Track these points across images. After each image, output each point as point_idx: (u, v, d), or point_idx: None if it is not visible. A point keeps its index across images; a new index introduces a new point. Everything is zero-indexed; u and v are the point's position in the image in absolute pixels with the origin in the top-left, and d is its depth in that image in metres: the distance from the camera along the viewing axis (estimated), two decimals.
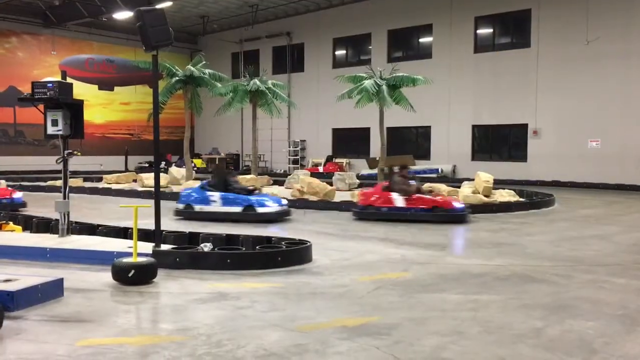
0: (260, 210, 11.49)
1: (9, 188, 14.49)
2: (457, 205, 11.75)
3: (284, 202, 12.20)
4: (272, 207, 11.60)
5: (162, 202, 13.54)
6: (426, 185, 13.49)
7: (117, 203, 13.62)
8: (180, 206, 11.94)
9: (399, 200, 11.57)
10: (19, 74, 27.24)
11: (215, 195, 11.70)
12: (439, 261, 7.67)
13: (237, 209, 11.50)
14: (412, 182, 11.99)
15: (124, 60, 30.94)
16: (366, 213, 11.77)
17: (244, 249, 7.63)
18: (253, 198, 11.69)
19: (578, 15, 21.00)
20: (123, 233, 8.70)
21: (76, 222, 9.17)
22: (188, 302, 5.54)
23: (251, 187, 12.49)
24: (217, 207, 11.63)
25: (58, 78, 8.49)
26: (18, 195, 13.79)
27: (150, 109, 10.49)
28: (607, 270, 7.05)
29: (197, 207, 11.75)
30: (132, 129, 32.65)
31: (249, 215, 11.39)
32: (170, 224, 10.49)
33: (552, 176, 21.40)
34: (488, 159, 23.57)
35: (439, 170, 24.20)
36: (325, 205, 13.90)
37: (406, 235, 9.96)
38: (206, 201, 11.73)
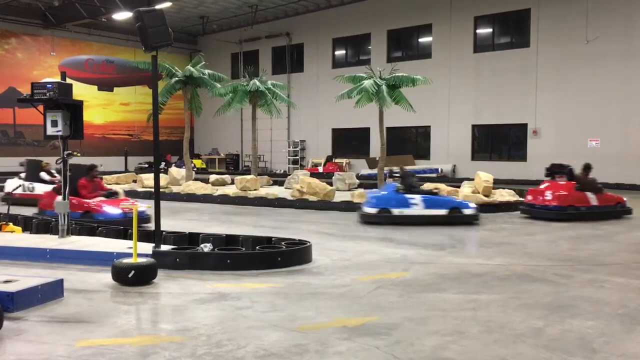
0: (466, 212, 11.22)
1: (131, 200, 11.83)
2: (624, 199, 12.53)
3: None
4: (473, 209, 11.34)
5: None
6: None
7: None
8: (373, 210, 11.28)
9: (593, 199, 11.86)
10: (19, 75, 27.26)
11: (417, 198, 11.19)
12: (439, 261, 7.67)
13: (442, 212, 11.14)
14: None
15: (124, 60, 30.97)
16: (565, 214, 11.66)
17: (243, 249, 7.63)
18: (456, 200, 11.63)
19: (578, 15, 21.02)
20: (123, 234, 8.70)
21: (76, 223, 9.17)
22: (188, 303, 5.53)
23: (435, 190, 12.30)
24: (418, 210, 11.15)
25: (57, 79, 8.47)
26: (142, 208, 10.30)
27: (150, 109, 10.44)
28: (607, 270, 7.06)
29: (396, 211, 11.15)
30: (132, 129, 32.67)
31: (456, 218, 11.09)
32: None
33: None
34: (488, 159, 23.59)
35: (439, 170, 24.20)
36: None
37: (407, 234, 9.96)
38: (405, 204, 11.19)
